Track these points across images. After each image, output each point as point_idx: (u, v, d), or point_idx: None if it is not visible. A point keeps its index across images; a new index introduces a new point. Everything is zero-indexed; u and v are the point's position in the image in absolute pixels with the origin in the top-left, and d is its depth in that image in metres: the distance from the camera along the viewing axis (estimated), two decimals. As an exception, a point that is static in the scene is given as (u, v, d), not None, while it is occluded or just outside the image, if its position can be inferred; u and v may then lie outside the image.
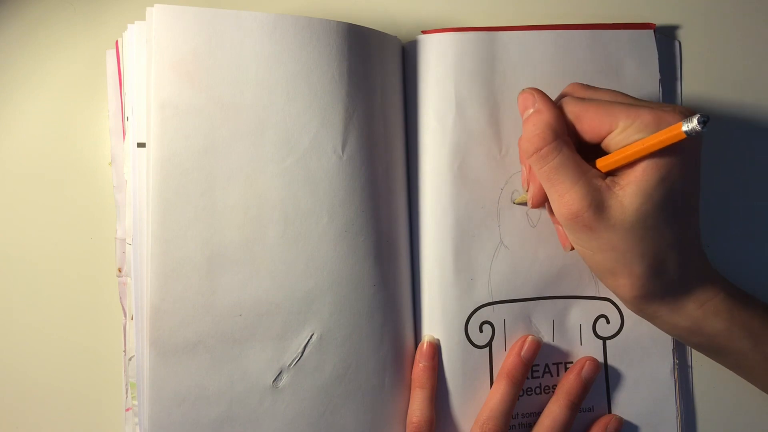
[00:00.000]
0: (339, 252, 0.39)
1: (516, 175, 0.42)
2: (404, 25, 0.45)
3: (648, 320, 0.38)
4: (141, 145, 0.38)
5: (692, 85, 0.46)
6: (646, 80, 0.43)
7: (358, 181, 0.39)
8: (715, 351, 0.38)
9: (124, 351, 0.40)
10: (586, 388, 0.41)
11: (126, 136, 0.39)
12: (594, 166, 0.35)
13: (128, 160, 0.39)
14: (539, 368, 0.42)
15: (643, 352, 0.43)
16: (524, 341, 0.41)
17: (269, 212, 0.38)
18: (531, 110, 0.35)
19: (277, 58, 0.38)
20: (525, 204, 0.42)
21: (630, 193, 0.33)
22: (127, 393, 0.40)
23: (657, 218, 0.33)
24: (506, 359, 0.41)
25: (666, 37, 0.45)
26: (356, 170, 0.39)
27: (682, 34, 0.46)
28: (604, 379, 0.42)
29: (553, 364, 0.42)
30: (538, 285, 0.42)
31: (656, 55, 0.43)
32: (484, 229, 0.41)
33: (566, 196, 0.34)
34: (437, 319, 0.41)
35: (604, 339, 0.43)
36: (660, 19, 0.45)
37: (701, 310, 0.36)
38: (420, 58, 0.42)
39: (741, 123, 0.46)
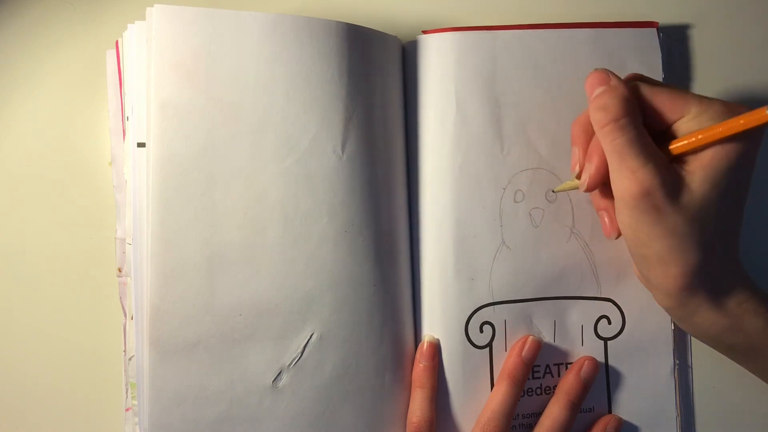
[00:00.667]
0: (339, 252, 0.39)
1: (518, 174, 0.42)
2: (404, 25, 0.44)
3: (684, 319, 0.37)
4: (141, 145, 0.38)
5: (696, 84, 0.45)
6: (648, 79, 0.43)
7: (358, 181, 0.39)
8: (752, 352, 0.37)
9: (124, 351, 0.40)
10: (585, 387, 0.41)
11: (126, 136, 0.39)
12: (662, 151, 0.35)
13: (128, 160, 0.39)
14: (540, 369, 0.42)
15: (643, 353, 0.43)
16: (525, 342, 0.41)
17: (269, 212, 0.38)
18: (604, 87, 0.35)
19: (276, 58, 0.38)
20: (570, 190, 0.41)
21: (698, 178, 0.33)
22: (127, 393, 0.40)
23: (720, 207, 0.33)
24: (507, 360, 0.41)
25: (669, 36, 0.45)
26: (356, 170, 0.39)
27: (685, 33, 0.46)
28: (604, 379, 0.42)
29: (554, 364, 0.42)
30: (539, 285, 0.42)
31: (659, 54, 0.43)
32: (485, 229, 0.41)
33: (639, 173, 0.33)
34: (437, 319, 0.41)
35: (606, 339, 0.43)
36: (663, 18, 0.45)
37: (741, 308, 0.35)
38: (420, 58, 0.42)
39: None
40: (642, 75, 0.38)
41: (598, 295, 0.42)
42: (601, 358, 0.42)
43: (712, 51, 0.46)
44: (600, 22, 0.43)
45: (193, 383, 0.37)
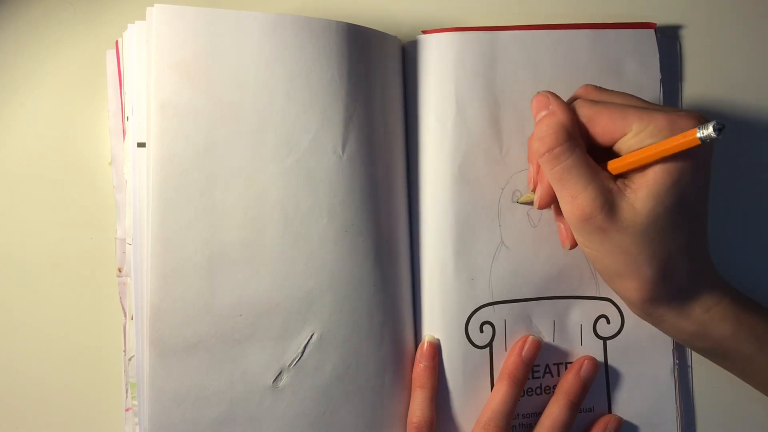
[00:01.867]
0: (339, 252, 0.39)
1: (517, 174, 0.42)
2: (404, 25, 0.44)
3: (654, 325, 0.38)
4: (141, 145, 0.38)
5: (693, 84, 0.46)
6: (647, 80, 0.43)
7: (358, 181, 0.39)
8: (721, 356, 0.38)
9: (124, 351, 0.40)
10: (585, 387, 0.41)
11: (126, 136, 0.39)
12: (605, 169, 0.35)
13: (128, 160, 0.39)
14: (540, 368, 0.42)
15: (643, 352, 0.43)
16: (525, 341, 0.41)
17: (269, 212, 0.38)
18: (544, 112, 0.35)
19: (276, 58, 0.38)
20: (529, 203, 0.42)
21: (642, 196, 0.33)
22: (127, 393, 0.40)
23: (668, 222, 0.33)
24: (507, 360, 0.41)
25: (667, 37, 0.45)
26: (356, 170, 0.39)
27: (683, 34, 0.46)
28: (604, 379, 0.42)
29: (554, 364, 0.42)
30: (538, 285, 0.42)
31: (657, 55, 0.43)
32: (484, 229, 0.41)
33: (579, 198, 0.34)
34: (437, 319, 0.41)
35: (605, 339, 0.43)
36: (661, 19, 0.45)
37: (708, 314, 0.36)
38: (420, 58, 0.42)
39: (742, 123, 0.46)
40: (593, 87, 0.38)
41: (597, 295, 0.43)
42: (600, 358, 0.42)
43: (709, 52, 0.46)
44: (599, 23, 0.44)
45: (193, 383, 0.37)
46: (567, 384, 0.41)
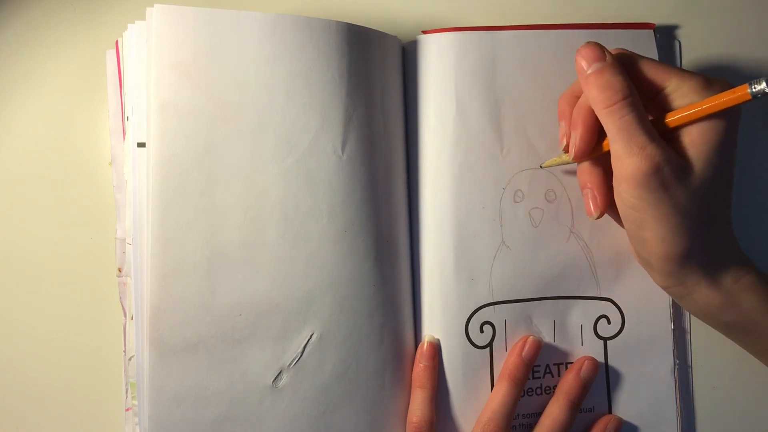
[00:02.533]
0: (339, 252, 0.39)
1: (518, 174, 0.42)
2: (404, 25, 0.44)
3: (682, 296, 0.37)
4: (141, 145, 0.38)
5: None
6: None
7: (358, 181, 0.39)
8: (747, 330, 0.37)
9: (124, 351, 0.40)
10: (585, 387, 0.41)
11: (126, 136, 0.39)
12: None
13: (128, 160, 0.39)
14: (540, 369, 0.42)
15: (643, 353, 0.43)
16: (525, 342, 0.41)
17: (269, 212, 0.38)
18: (599, 63, 0.35)
19: (276, 58, 0.38)
20: (557, 165, 0.41)
21: (693, 156, 0.34)
22: (127, 393, 0.40)
23: (714, 185, 0.34)
24: (507, 360, 0.41)
25: (666, 37, 0.45)
26: (356, 170, 0.39)
27: (681, 34, 0.46)
28: (604, 379, 0.42)
29: (554, 364, 0.42)
30: (539, 285, 0.42)
31: (656, 55, 0.43)
32: (485, 229, 0.41)
33: (648, 149, 0.33)
34: (437, 319, 0.41)
35: (605, 339, 0.43)
36: (660, 19, 0.45)
37: (737, 284, 0.36)
38: (420, 58, 0.42)
39: (742, 121, 0.45)
40: (623, 50, 0.37)
41: (598, 295, 0.43)
42: (600, 358, 0.42)
43: (709, 52, 0.46)
44: (598, 23, 0.44)
45: (193, 383, 0.37)
46: (567, 384, 0.41)
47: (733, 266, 0.36)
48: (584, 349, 0.42)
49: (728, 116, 0.34)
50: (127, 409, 0.40)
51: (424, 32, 0.42)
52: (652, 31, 0.44)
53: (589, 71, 0.35)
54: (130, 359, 0.39)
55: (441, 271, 0.41)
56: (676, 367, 0.43)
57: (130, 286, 0.39)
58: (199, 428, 0.37)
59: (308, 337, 0.38)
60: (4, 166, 0.42)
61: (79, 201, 0.42)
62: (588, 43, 0.36)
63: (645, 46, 0.43)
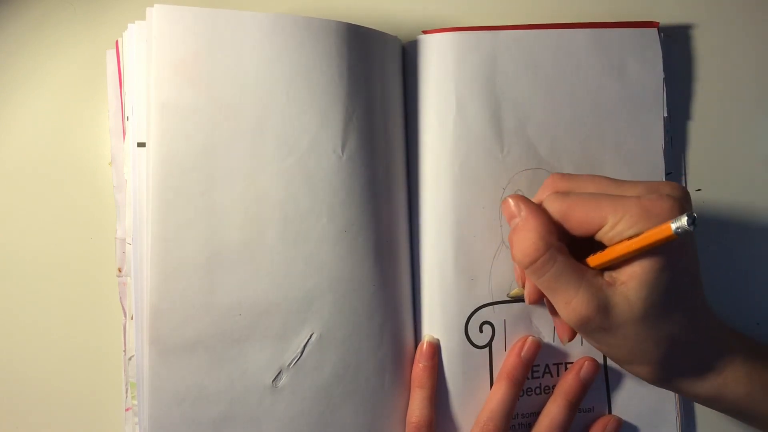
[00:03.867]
0: (339, 252, 0.39)
1: (518, 174, 0.42)
2: (404, 25, 0.44)
3: (675, 391, 0.37)
4: (141, 145, 0.38)
5: (696, 84, 0.45)
6: (649, 79, 0.43)
7: (358, 181, 0.39)
8: (741, 415, 0.37)
9: (124, 351, 0.40)
10: (584, 388, 0.41)
11: (126, 136, 0.39)
12: (587, 264, 0.34)
13: (128, 160, 0.39)
14: (539, 369, 0.42)
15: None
16: (524, 342, 0.41)
17: (269, 212, 0.38)
18: (517, 220, 0.35)
19: (276, 58, 0.38)
20: (519, 298, 0.41)
21: (633, 287, 0.33)
22: (127, 393, 0.40)
23: (665, 305, 0.33)
24: (506, 360, 0.41)
25: (670, 36, 0.45)
26: (356, 170, 0.39)
27: (686, 33, 0.46)
28: (604, 379, 0.42)
29: (554, 364, 0.42)
30: (539, 285, 0.42)
31: (660, 54, 0.43)
32: (485, 229, 0.41)
33: (573, 303, 0.33)
34: (437, 319, 0.41)
35: (605, 339, 0.43)
36: (664, 18, 0.45)
37: (721, 377, 0.35)
38: (420, 58, 0.42)
39: (742, 122, 0.45)
40: (561, 175, 0.37)
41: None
42: (600, 358, 0.42)
43: (712, 51, 0.46)
44: (600, 23, 0.43)
45: (192, 383, 0.37)
46: (566, 384, 0.41)
47: (715, 360, 0.35)
48: (584, 349, 0.42)
49: (669, 248, 0.32)
50: (127, 409, 0.40)
51: (425, 32, 0.42)
52: (656, 29, 0.43)
53: (510, 227, 0.35)
54: (130, 359, 0.39)
55: (441, 271, 0.41)
56: (676, 367, 0.43)
57: (130, 286, 0.39)
58: (198, 428, 0.37)
59: (308, 337, 0.38)
60: (4, 166, 0.42)
61: (79, 201, 0.42)
62: (505, 199, 0.36)
63: (648, 45, 0.43)
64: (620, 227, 0.33)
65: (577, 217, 0.34)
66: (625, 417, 0.42)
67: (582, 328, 0.34)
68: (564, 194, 0.35)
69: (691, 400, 0.38)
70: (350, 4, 0.45)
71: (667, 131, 0.43)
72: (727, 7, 0.46)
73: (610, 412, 0.43)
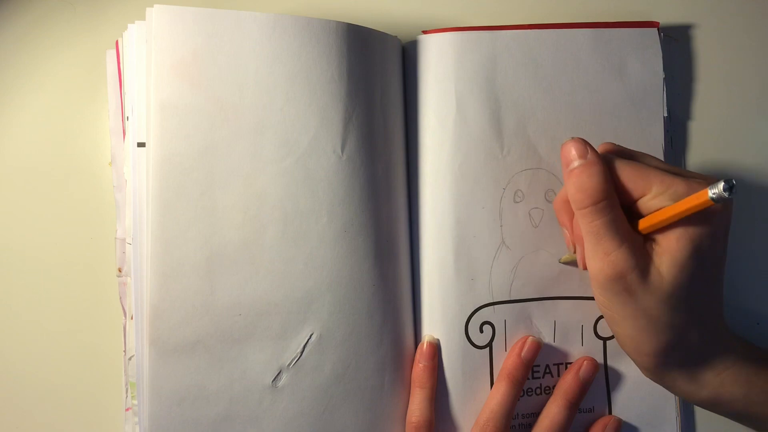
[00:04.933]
0: (338, 252, 0.39)
1: (518, 174, 0.42)
2: (404, 25, 0.44)
3: (667, 389, 0.37)
4: (141, 144, 0.38)
5: (696, 84, 0.45)
6: (650, 79, 0.43)
7: (358, 181, 0.39)
8: (736, 417, 0.38)
9: (124, 351, 0.40)
10: (584, 388, 0.41)
11: (126, 136, 0.39)
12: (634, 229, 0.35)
13: (128, 160, 0.39)
14: (540, 369, 0.42)
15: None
16: (525, 342, 0.41)
17: (269, 212, 0.38)
18: (579, 161, 0.34)
19: (276, 58, 0.38)
20: (571, 263, 0.41)
21: (666, 262, 0.33)
22: (127, 393, 0.40)
23: (689, 290, 0.33)
24: (507, 360, 0.41)
25: (670, 36, 0.45)
26: (356, 170, 0.39)
27: (687, 33, 0.46)
28: (604, 379, 0.42)
29: (554, 364, 0.42)
30: (539, 285, 0.42)
31: (660, 54, 0.43)
32: (485, 229, 0.41)
33: (612, 255, 0.33)
34: (437, 319, 0.41)
35: (605, 339, 0.43)
36: (664, 17, 0.45)
37: (718, 378, 0.36)
38: (420, 58, 0.42)
39: (742, 122, 0.45)
40: (615, 145, 0.37)
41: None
42: (600, 359, 0.42)
43: (712, 51, 0.46)
44: (600, 22, 0.43)
45: (192, 383, 0.37)
46: (566, 384, 0.41)
47: (715, 360, 0.36)
48: (584, 349, 0.42)
49: (705, 220, 0.33)
50: (127, 409, 0.40)
51: (425, 32, 0.42)
52: (656, 29, 0.43)
53: (570, 168, 0.35)
54: (130, 359, 0.39)
55: (441, 271, 0.41)
56: (676, 367, 0.43)
57: (130, 286, 0.39)
58: (198, 428, 0.37)
59: (308, 337, 0.38)
60: (4, 166, 0.42)
61: (79, 201, 0.43)
62: (573, 138, 0.35)
63: (648, 45, 0.43)
64: (663, 198, 0.33)
65: (625, 179, 0.34)
66: (625, 417, 0.42)
67: (610, 284, 0.33)
68: (617, 157, 0.35)
69: (686, 400, 0.38)
70: (350, 4, 0.45)
71: (667, 131, 0.43)
72: (727, 7, 0.46)
73: (610, 412, 0.43)
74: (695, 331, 0.35)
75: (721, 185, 0.30)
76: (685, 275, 0.33)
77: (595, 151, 0.35)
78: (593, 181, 0.34)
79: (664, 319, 0.34)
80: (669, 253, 0.33)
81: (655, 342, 0.34)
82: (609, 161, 0.35)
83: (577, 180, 0.34)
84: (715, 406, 0.37)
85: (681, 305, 0.34)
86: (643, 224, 0.34)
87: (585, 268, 0.37)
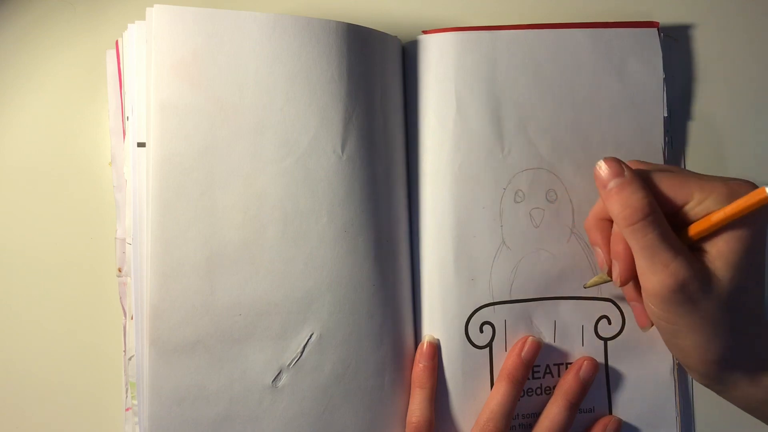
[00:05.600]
0: (338, 252, 0.39)
1: (519, 174, 0.42)
2: (404, 25, 0.44)
3: (724, 393, 0.37)
4: (141, 144, 0.38)
5: (696, 84, 0.45)
6: (649, 79, 0.43)
7: (358, 181, 0.39)
8: None
9: (124, 351, 0.40)
10: (584, 388, 0.41)
11: (126, 136, 0.39)
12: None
13: (128, 160, 0.39)
14: (540, 369, 0.42)
15: (643, 353, 0.42)
16: (525, 342, 0.41)
17: (269, 212, 0.38)
18: (618, 179, 0.34)
19: (276, 58, 0.38)
20: (600, 284, 0.41)
21: (721, 266, 0.33)
22: (127, 393, 0.40)
23: (745, 290, 0.33)
24: (507, 360, 0.41)
25: (670, 36, 0.45)
26: (356, 170, 0.39)
27: (687, 33, 0.46)
28: (604, 379, 0.42)
29: (554, 364, 0.42)
30: (539, 285, 0.42)
31: (660, 54, 0.43)
32: (485, 229, 0.41)
33: (671, 266, 0.33)
34: (437, 319, 0.41)
35: (605, 340, 0.43)
36: (664, 17, 0.45)
37: None
38: (420, 58, 0.42)
39: (742, 122, 0.45)
40: (643, 162, 0.37)
41: (598, 296, 0.42)
42: (601, 359, 0.42)
43: (712, 51, 0.46)
44: (600, 22, 0.43)
45: (192, 383, 0.37)
46: (566, 384, 0.41)
47: None
48: (584, 349, 0.42)
49: (753, 220, 0.33)
50: (127, 409, 0.40)
51: (425, 32, 0.42)
52: (656, 29, 0.43)
53: (609, 187, 0.35)
54: (130, 359, 0.39)
55: (441, 271, 0.41)
56: (676, 367, 0.43)
57: (130, 286, 0.39)
58: (198, 428, 0.37)
59: (308, 337, 0.38)
60: (4, 166, 0.42)
61: (79, 201, 0.42)
62: (607, 158, 0.35)
63: (648, 45, 0.43)
64: (708, 203, 0.33)
65: (663, 190, 0.34)
66: (625, 417, 0.42)
67: (673, 295, 0.33)
68: (649, 170, 0.35)
69: (742, 406, 0.37)
70: (350, 4, 0.45)
71: (667, 131, 0.43)
72: (727, 7, 0.46)
73: (610, 412, 0.42)
74: (754, 332, 0.35)
75: None
76: (741, 276, 0.33)
77: (630, 169, 0.35)
78: (638, 196, 0.34)
79: (727, 323, 0.34)
80: (722, 257, 0.33)
81: (721, 348, 0.34)
82: (645, 175, 0.35)
83: (621, 198, 0.34)
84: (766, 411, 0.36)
85: (740, 307, 0.34)
86: (695, 229, 0.34)
87: (623, 284, 0.37)
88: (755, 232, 0.33)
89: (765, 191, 0.31)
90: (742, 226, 0.33)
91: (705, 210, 0.34)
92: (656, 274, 0.33)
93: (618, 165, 0.35)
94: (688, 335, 0.34)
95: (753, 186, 0.34)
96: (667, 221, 0.34)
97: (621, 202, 0.34)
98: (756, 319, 0.35)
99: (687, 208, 0.34)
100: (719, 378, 0.36)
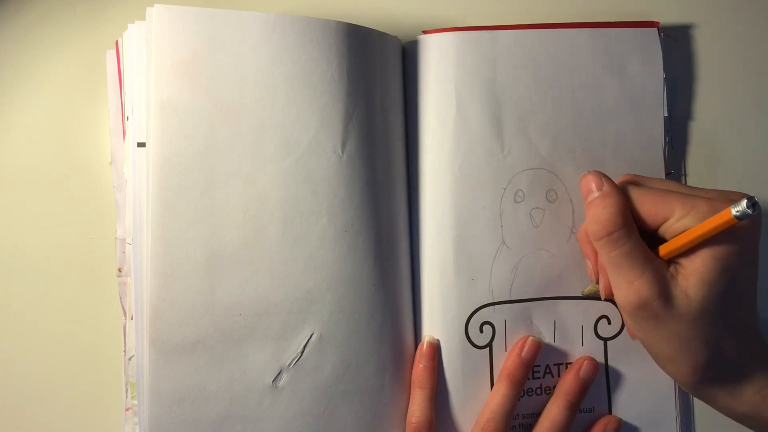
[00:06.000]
0: (339, 252, 0.39)
1: (519, 174, 0.42)
2: (404, 25, 0.44)
3: (706, 403, 0.37)
4: (141, 144, 0.38)
5: (696, 84, 0.45)
6: (650, 79, 0.43)
7: (358, 181, 0.39)
8: None
9: (124, 351, 0.40)
10: (584, 388, 0.41)
11: (126, 136, 0.39)
12: (656, 254, 0.35)
13: (128, 160, 0.39)
14: (540, 369, 0.42)
15: (643, 353, 0.42)
16: (525, 342, 0.41)
17: (269, 212, 0.38)
18: (597, 193, 0.35)
19: (276, 58, 0.38)
20: (594, 295, 0.41)
21: (693, 284, 0.33)
22: (127, 393, 0.40)
23: (720, 307, 0.33)
24: (507, 360, 0.41)
25: (670, 36, 0.45)
26: (356, 170, 0.39)
27: (687, 33, 0.46)
28: (604, 379, 0.42)
29: (554, 364, 0.42)
30: (539, 285, 0.42)
31: (660, 54, 0.43)
32: (485, 229, 0.41)
33: (635, 284, 0.33)
34: (437, 319, 0.41)
35: (605, 339, 0.43)
36: (664, 17, 0.45)
37: (759, 395, 0.35)
38: (420, 58, 0.42)
39: (742, 122, 0.45)
40: (634, 175, 0.38)
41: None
42: (601, 359, 0.42)
43: (713, 51, 0.46)
44: (600, 22, 0.43)
45: (192, 383, 0.37)
46: (566, 384, 0.41)
47: (756, 376, 0.35)
48: (584, 349, 0.42)
49: (731, 237, 0.33)
50: (127, 409, 0.40)
51: (425, 32, 0.42)
52: (656, 29, 0.43)
53: (587, 201, 0.35)
54: (130, 359, 0.39)
55: (441, 271, 0.41)
56: (677, 367, 0.43)
57: (130, 286, 0.39)
58: (198, 428, 0.37)
59: (308, 337, 0.38)
60: (4, 166, 0.42)
61: (79, 201, 0.42)
62: (590, 171, 0.36)
63: (648, 45, 0.43)
64: (686, 221, 0.33)
65: (646, 206, 0.35)
66: (625, 417, 0.42)
67: (636, 311, 0.34)
68: (635, 185, 0.36)
69: (726, 415, 0.37)
70: (350, 4, 0.45)
71: (667, 131, 0.43)
72: (727, 7, 0.46)
73: (610, 412, 0.42)
74: (732, 347, 0.34)
75: (744, 202, 0.30)
76: (714, 295, 0.33)
77: (611, 183, 0.35)
78: (607, 212, 0.34)
79: (699, 338, 0.34)
80: (696, 274, 0.33)
81: (692, 361, 0.34)
82: (626, 191, 0.35)
83: (593, 212, 0.35)
84: (755, 422, 0.36)
85: (713, 323, 0.33)
86: (665, 249, 0.34)
87: (606, 299, 0.37)
88: (738, 251, 0.33)
89: (731, 213, 0.31)
90: (722, 244, 0.33)
91: (682, 227, 0.33)
92: (621, 289, 0.34)
93: (598, 179, 0.35)
94: (658, 347, 0.35)
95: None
96: (649, 237, 0.35)
97: (592, 217, 0.35)
98: (735, 334, 0.34)
99: (666, 224, 0.34)
100: (696, 390, 0.36)
